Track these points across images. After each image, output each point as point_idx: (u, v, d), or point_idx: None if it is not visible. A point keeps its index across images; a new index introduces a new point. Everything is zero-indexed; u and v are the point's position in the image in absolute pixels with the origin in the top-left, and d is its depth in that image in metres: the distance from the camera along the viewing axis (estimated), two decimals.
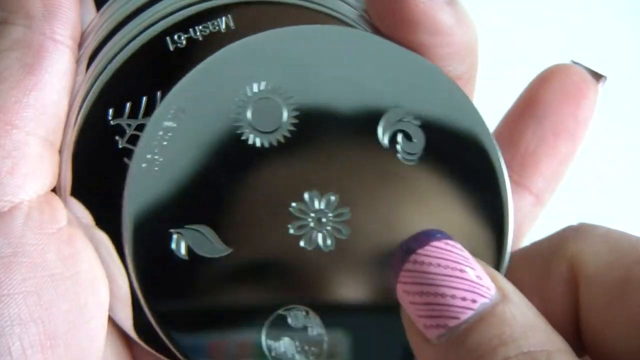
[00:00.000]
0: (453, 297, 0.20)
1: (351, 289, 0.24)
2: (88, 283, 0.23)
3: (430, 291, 0.20)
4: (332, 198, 0.23)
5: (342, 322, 0.24)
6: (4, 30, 0.22)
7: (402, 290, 0.21)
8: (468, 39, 0.24)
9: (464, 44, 0.24)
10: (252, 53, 0.23)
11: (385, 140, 0.24)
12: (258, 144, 0.23)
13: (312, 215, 0.24)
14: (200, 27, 0.25)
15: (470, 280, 0.20)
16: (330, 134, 0.24)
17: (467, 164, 0.24)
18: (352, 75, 0.24)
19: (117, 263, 0.24)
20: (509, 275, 0.22)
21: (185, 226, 0.23)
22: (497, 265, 0.24)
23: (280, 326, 0.24)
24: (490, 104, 0.28)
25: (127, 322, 0.24)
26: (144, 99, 0.24)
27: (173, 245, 0.23)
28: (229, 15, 0.25)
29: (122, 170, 0.24)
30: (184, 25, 0.25)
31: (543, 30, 0.50)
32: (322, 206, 0.23)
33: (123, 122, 0.24)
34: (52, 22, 0.22)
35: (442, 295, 0.20)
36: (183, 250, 0.23)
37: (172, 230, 0.23)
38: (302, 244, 0.24)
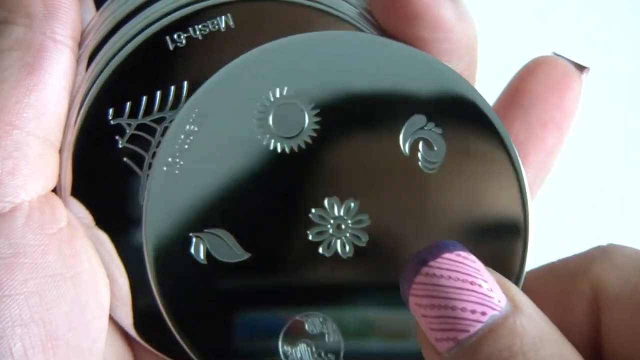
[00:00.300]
0: (463, 309, 0.19)
1: (369, 297, 0.24)
2: (89, 283, 0.23)
3: (441, 304, 0.20)
4: (352, 205, 0.23)
5: (359, 330, 0.24)
6: (4, 30, 0.22)
7: (414, 303, 0.20)
8: (468, 36, 0.25)
9: (464, 41, 0.24)
10: (274, 58, 0.23)
11: (406, 147, 0.23)
12: (279, 149, 0.23)
13: (332, 221, 0.23)
14: (199, 26, 0.25)
15: (481, 292, 0.20)
16: (352, 141, 0.24)
17: (488, 173, 0.24)
18: (374, 82, 0.24)
19: (117, 262, 0.24)
20: (532, 289, 0.22)
21: (205, 230, 0.23)
22: (515, 275, 0.24)
23: (297, 332, 0.23)
24: (490, 103, 0.28)
25: (127, 321, 0.25)
26: (144, 98, 0.24)
27: (192, 249, 0.23)
28: (228, 14, 0.25)
29: (122, 170, 0.24)
30: (183, 24, 0.24)
31: (542, 29, 0.50)
32: (342, 213, 0.23)
33: (123, 121, 0.24)
34: (52, 22, 0.22)
35: (452, 308, 0.20)
36: (202, 255, 0.23)
37: (191, 234, 0.23)
38: (320, 250, 0.24)
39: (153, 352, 0.25)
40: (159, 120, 0.24)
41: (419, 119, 0.24)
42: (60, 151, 0.24)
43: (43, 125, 0.22)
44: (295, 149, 0.23)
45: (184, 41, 0.25)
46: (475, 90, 0.24)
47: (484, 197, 0.24)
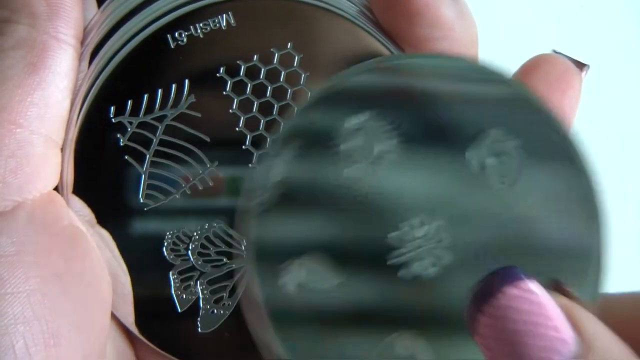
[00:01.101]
0: (529, 357, 0.18)
1: (455, 315, 0.22)
2: (91, 281, 0.23)
3: (504, 351, 0.18)
4: (431, 225, 0.23)
5: (450, 349, 0.23)
6: (8, 29, 0.22)
7: (479, 341, 0.19)
8: (469, 34, 0.25)
9: (464, 39, 0.24)
10: (345, 87, 0.23)
11: (479, 163, 0.23)
12: (354, 175, 0.23)
13: (411, 243, 0.23)
14: (201, 25, 0.25)
15: (546, 334, 0.18)
16: (425, 161, 0.23)
17: (563, 186, 0.23)
18: (442, 100, 0.23)
19: (119, 260, 0.24)
20: (624, 315, 0.21)
21: (290, 263, 0.23)
22: (591, 296, 0.22)
23: (389, 355, 0.23)
24: None
25: (129, 318, 0.25)
26: (146, 96, 0.24)
27: (283, 280, 0.23)
28: (229, 13, 0.25)
29: (124, 168, 0.24)
30: (184, 23, 0.25)
31: (542, 28, 0.50)
32: (421, 234, 0.23)
33: (124, 119, 0.24)
34: (55, 21, 0.22)
35: (519, 355, 0.18)
36: (292, 285, 0.23)
37: (281, 266, 0.23)
38: (402, 273, 0.23)
39: (155, 350, 0.25)
40: (160, 119, 0.24)
41: (490, 134, 0.23)
42: (62, 149, 0.24)
43: (46, 124, 0.22)
44: (370, 174, 0.23)
45: (185, 39, 0.25)
46: (545, 103, 0.23)
47: (559, 211, 0.23)
